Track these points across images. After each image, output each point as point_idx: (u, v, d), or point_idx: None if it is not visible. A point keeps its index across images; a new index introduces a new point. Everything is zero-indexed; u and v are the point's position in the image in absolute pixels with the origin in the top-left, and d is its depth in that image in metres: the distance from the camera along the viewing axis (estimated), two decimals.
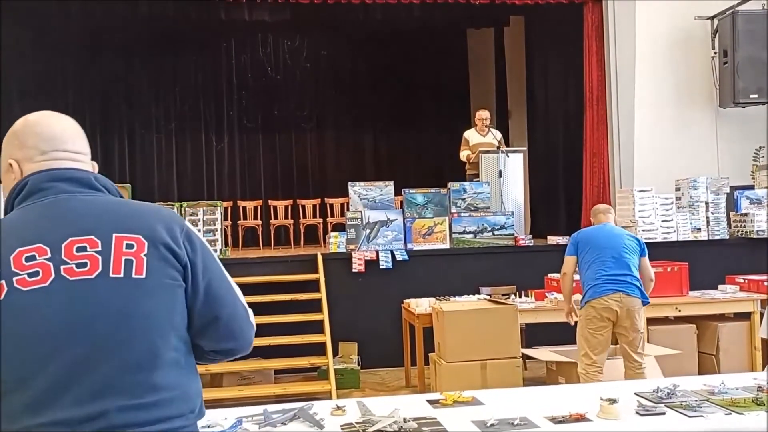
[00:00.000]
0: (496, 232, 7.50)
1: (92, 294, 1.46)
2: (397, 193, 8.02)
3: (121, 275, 1.48)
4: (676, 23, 8.27)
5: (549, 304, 5.92)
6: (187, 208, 7.33)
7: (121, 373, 1.44)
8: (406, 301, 6.34)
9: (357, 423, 2.53)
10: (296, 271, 7.04)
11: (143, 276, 1.49)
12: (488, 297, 6.20)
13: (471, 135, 8.57)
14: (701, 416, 2.47)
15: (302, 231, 9.73)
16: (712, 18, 8.18)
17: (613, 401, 2.52)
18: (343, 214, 8.93)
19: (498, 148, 8.25)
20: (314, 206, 9.98)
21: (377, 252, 7.14)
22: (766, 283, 6.05)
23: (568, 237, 7.80)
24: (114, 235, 1.51)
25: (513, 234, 7.55)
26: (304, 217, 9.88)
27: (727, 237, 7.57)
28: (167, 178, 11.70)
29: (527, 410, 2.63)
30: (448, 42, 12.17)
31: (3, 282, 1.44)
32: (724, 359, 6.00)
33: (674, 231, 7.50)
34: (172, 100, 11.83)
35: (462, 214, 7.57)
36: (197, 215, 7.30)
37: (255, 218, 9.91)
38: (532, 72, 11.08)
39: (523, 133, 11.27)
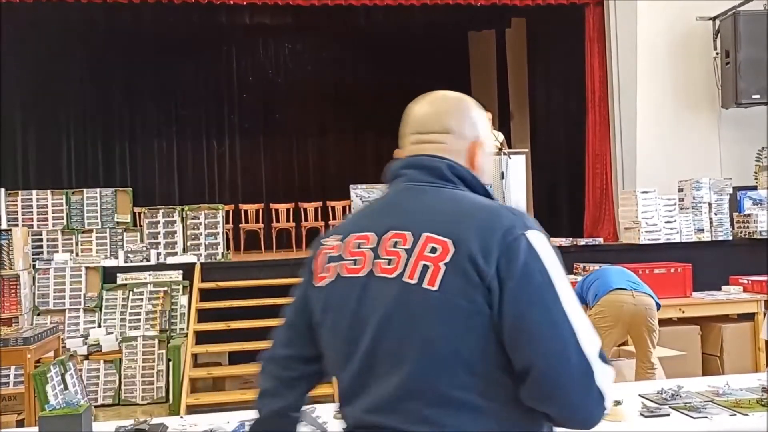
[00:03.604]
0: None
1: (385, 297, 1.30)
2: None
3: (414, 281, 1.27)
4: (678, 24, 8.25)
5: None
6: (188, 212, 7.32)
7: (395, 395, 1.27)
8: None
9: None
10: (298, 274, 7.01)
11: (434, 288, 1.24)
12: None
13: None
14: (706, 417, 2.46)
15: (304, 234, 9.72)
16: (713, 19, 8.17)
17: (617, 403, 2.51)
18: (344, 217, 8.91)
19: (500, 149, 8.22)
20: (316, 209, 9.98)
21: None
22: None
23: (571, 239, 7.83)
24: (425, 234, 1.29)
25: None
26: (306, 220, 9.88)
27: (731, 238, 7.55)
28: (168, 182, 11.70)
29: None
30: (449, 44, 12.16)
31: (336, 265, 1.40)
32: (728, 360, 5.98)
33: (677, 232, 7.48)
34: (173, 104, 11.84)
35: None
36: (198, 219, 7.30)
37: (257, 222, 9.90)
38: (534, 74, 11.06)
39: (526, 134, 11.25)
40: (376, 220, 1.39)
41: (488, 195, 1.43)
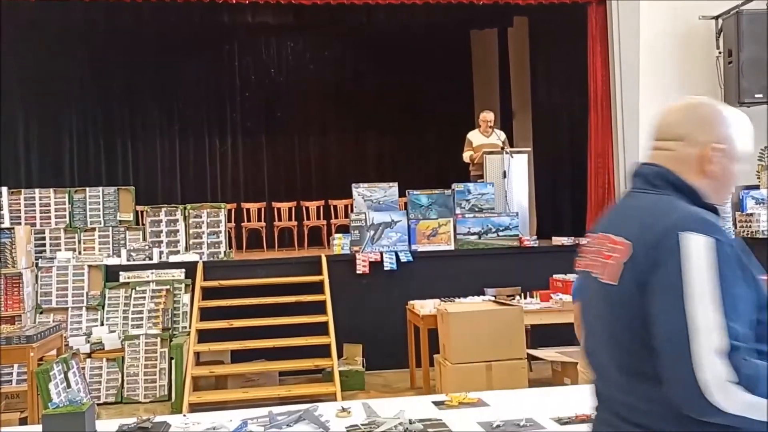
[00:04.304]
0: (500, 233, 7.48)
1: (588, 289, 1.58)
2: (401, 194, 8.01)
3: (601, 276, 1.51)
4: (681, 23, 8.24)
5: (554, 305, 5.90)
6: (190, 211, 7.33)
7: (599, 372, 1.57)
8: (411, 302, 6.33)
9: (362, 425, 2.52)
10: (300, 273, 7.04)
11: (614, 283, 1.46)
12: (493, 298, 6.19)
13: (474, 136, 8.55)
14: None
15: (306, 233, 9.72)
16: (716, 18, 8.15)
17: None
18: (347, 216, 8.92)
19: (502, 148, 8.23)
20: (318, 208, 9.98)
21: (381, 253, 7.13)
22: None
23: (573, 238, 7.82)
24: (613, 235, 1.51)
25: (518, 235, 7.53)
26: (308, 219, 9.88)
27: (733, 237, 7.53)
28: (171, 180, 11.71)
29: (533, 411, 2.62)
30: (451, 43, 12.14)
31: (578, 259, 1.67)
32: None
33: None
34: (176, 103, 11.84)
35: (466, 215, 7.56)
36: (201, 218, 7.31)
37: (259, 220, 9.91)
38: (536, 73, 11.05)
39: (528, 133, 11.25)
40: (600, 223, 1.65)
41: (697, 200, 1.51)
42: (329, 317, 6.48)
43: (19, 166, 10.40)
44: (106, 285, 6.75)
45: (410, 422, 2.49)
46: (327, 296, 6.65)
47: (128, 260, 6.97)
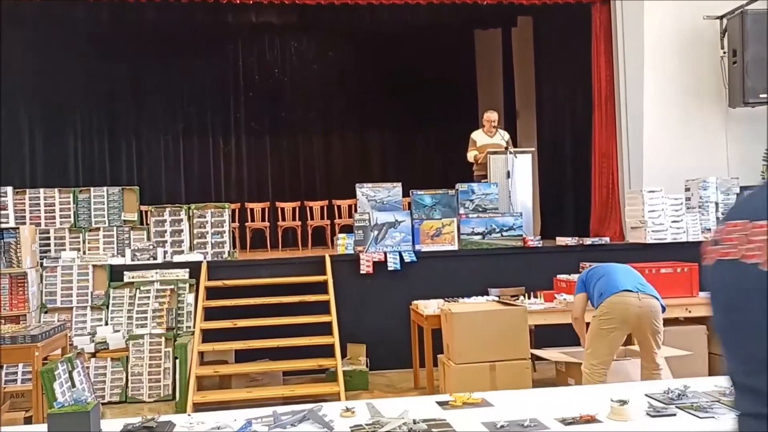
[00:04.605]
0: (504, 234, 7.48)
1: (730, 279, 1.49)
2: (405, 194, 8.01)
3: (747, 261, 1.44)
4: (685, 23, 8.23)
5: (558, 305, 5.89)
6: (194, 211, 7.34)
7: (740, 370, 1.47)
8: (415, 302, 6.33)
9: (366, 424, 2.52)
10: (304, 273, 7.05)
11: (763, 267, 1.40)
12: (497, 298, 6.18)
13: (478, 136, 8.55)
14: (712, 417, 2.46)
15: (310, 233, 9.74)
16: (721, 17, 8.14)
17: (623, 403, 2.51)
18: (350, 216, 8.92)
19: (506, 148, 8.22)
20: (322, 208, 9.99)
21: (385, 253, 7.13)
22: None
23: (577, 238, 7.81)
24: (761, 221, 1.44)
25: (521, 235, 7.53)
26: (312, 218, 9.89)
27: None
28: (175, 180, 11.73)
29: (537, 412, 2.62)
30: (455, 43, 12.14)
31: (715, 248, 1.57)
32: None
33: (684, 231, 7.46)
34: (180, 103, 11.87)
35: (470, 216, 7.55)
36: (205, 217, 7.32)
37: (263, 220, 9.92)
38: (541, 72, 11.05)
39: (532, 133, 11.24)
40: (747, 210, 1.54)
41: None
42: (333, 317, 6.49)
43: (24, 165, 10.43)
44: (111, 285, 6.77)
45: (414, 422, 2.49)
46: (331, 296, 6.66)
47: (132, 260, 6.99)
